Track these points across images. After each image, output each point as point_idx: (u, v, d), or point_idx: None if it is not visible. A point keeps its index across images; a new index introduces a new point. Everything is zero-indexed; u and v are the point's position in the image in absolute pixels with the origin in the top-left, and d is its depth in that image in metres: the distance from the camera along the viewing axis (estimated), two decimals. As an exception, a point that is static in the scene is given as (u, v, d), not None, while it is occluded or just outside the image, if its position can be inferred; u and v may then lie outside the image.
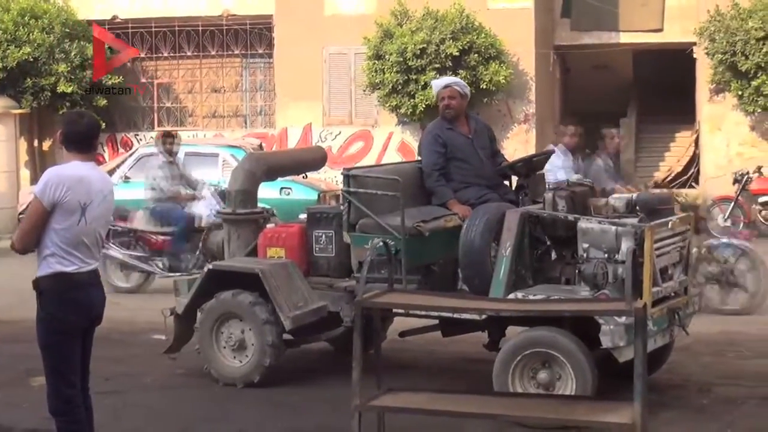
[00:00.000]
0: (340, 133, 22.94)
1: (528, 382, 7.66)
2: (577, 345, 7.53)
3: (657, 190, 8.47)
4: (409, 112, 21.22)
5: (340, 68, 22.89)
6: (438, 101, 9.33)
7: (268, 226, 9.48)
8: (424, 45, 20.68)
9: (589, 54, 24.33)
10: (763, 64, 20.33)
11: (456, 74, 20.60)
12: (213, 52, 24.40)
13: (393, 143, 22.64)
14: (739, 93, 20.83)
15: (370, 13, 22.15)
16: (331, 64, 22.88)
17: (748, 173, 18.95)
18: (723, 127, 21.91)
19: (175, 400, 8.65)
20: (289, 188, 17.60)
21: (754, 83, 20.47)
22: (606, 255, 7.76)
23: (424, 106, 20.81)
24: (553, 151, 9.47)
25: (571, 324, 7.63)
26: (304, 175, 16.16)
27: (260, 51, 24.17)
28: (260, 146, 18.91)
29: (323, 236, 8.95)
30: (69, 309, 5.88)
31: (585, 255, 7.82)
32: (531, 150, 21.86)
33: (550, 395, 7.29)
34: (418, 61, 20.73)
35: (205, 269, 9.03)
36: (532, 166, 9.23)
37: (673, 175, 23.42)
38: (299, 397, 8.60)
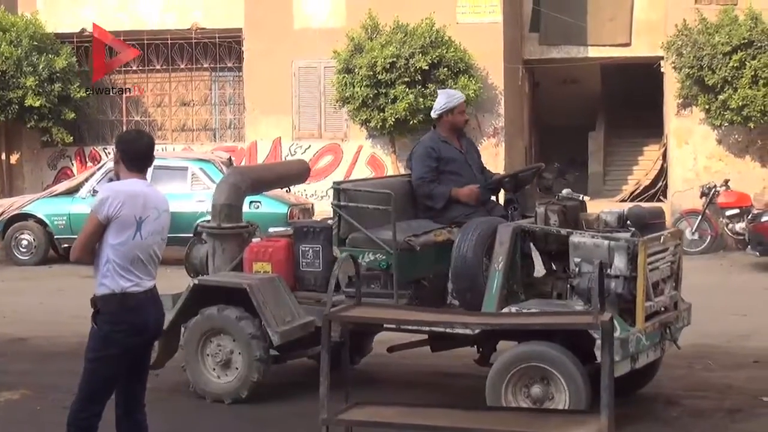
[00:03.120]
0: (309, 146, 22.95)
1: (521, 396, 7.61)
2: (570, 359, 7.50)
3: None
4: (378, 126, 21.25)
5: (310, 82, 22.91)
6: (449, 112, 9.12)
7: (254, 240, 9.41)
8: (394, 59, 20.72)
9: (557, 68, 24.46)
10: (729, 78, 20.48)
11: (425, 88, 20.70)
12: (182, 66, 24.37)
13: (362, 157, 22.66)
14: (706, 107, 20.99)
15: (339, 27, 22.19)
16: (301, 77, 22.90)
17: (715, 187, 19.09)
18: (690, 140, 22.05)
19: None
20: (258, 202, 17.57)
21: (720, 97, 20.62)
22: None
23: (393, 120, 20.85)
24: (541, 166, 9.41)
25: (564, 339, 7.60)
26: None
27: (229, 64, 24.15)
28: (229, 160, 18.90)
29: (310, 251, 8.92)
30: (123, 330, 5.92)
31: (577, 269, 7.82)
32: (500, 164, 21.95)
33: (521, 409, 7.30)
34: (388, 74, 20.77)
35: (191, 284, 8.91)
36: (520, 181, 9.18)
37: (641, 188, 23.54)
38: (276, 412, 8.58)
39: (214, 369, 8.75)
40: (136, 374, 6.14)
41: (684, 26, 21.23)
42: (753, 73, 20.30)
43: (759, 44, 20.44)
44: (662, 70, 22.57)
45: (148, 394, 6.31)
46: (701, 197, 19.06)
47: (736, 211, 18.69)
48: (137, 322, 5.96)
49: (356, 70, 21.09)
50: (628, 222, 8.22)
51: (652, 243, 7.82)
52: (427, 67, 20.73)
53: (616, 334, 7.33)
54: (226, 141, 24.16)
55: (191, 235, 17.51)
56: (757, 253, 16.94)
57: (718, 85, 20.62)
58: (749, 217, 17.90)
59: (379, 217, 8.48)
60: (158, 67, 24.31)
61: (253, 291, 8.50)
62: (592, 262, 7.63)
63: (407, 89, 20.76)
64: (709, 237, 18.97)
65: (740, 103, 20.34)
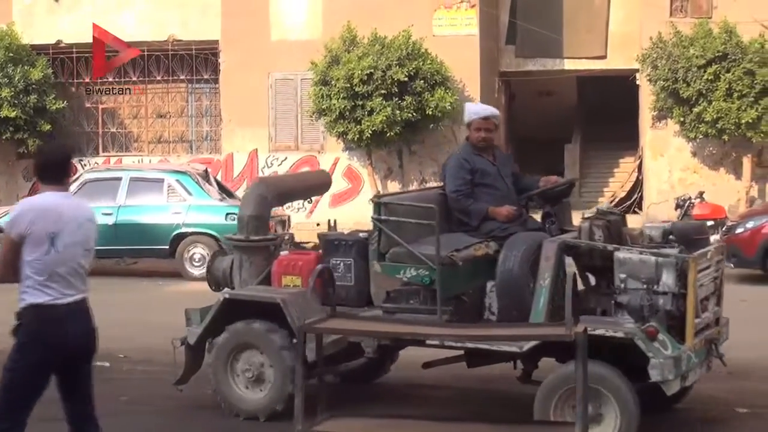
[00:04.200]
0: (286, 158, 22.96)
1: (569, 417, 7.37)
2: (621, 379, 7.37)
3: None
4: (356, 139, 21.28)
5: (286, 94, 22.93)
6: (468, 126, 8.89)
7: (282, 253, 9.14)
8: (371, 70, 20.76)
9: (533, 80, 24.56)
10: (704, 91, 20.62)
11: (402, 100, 20.74)
12: (158, 77, 24.34)
13: (339, 169, 22.67)
14: (681, 119, 21.12)
15: (316, 39, 22.21)
16: (277, 89, 22.91)
17: (690, 198, 19.16)
18: (665, 153, 22.17)
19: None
20: (236, 214, 17.55)
21: (695, 110, 20.76)
22: (645, 286, 7.57)
23: (371, 132, 20.88)
24: (575, 180, 9.08)
25: (613, 357, 7.46)
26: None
27: (206, 76, 24.14)
28: (206, 171, 18.86)
29: (341, 264, 8.64)
30: (40, 342, 5.83)
31: (622, 285, 7.65)
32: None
33: (497, 420, 7.30)
34: (365, 86, 20.80)
35: (221, 298, 8.61)
36: (555, 195, 8.80)
37: (616, 200, 23.64)
38: (252, 424, 8.54)
39: (247, 386, 8.48)
40: (73, 391, 6.04)
41: (659, 39, 21.36)
42: (727, 86, 20.46)
43: (733, 57, 20.59)
44: (637, 82, 22.70)
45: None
46: (676, 209, 19.12)
47: (711, 223, 18.73)
48: (55, 335, 5.85)
49: (333, 82, 21.11)
50: (671, 237, 8.07)
51: (701, 259, 7.66)
52: (404, 79, 20.78)
53: (668, 352, 7.25)
54: (203, 153, 24.14)
55: (167, 246, 17.57)
56: (732, 265, 16.98)
57: (693, 98, 20.77)
58: (724, 229, 17.95)
59: (416, 232, 8.27)
60: (135, 78, 24.27)
61: (287, 306, 8.23)
62: (638, 278, 7.55)
63: (384, 101, 20.79)
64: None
65: (715, 116, 20.50)
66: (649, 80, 21.58)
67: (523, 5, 23.75)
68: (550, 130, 25.77)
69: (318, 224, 22.05)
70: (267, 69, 22.75)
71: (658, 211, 20.85)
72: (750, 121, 20.44)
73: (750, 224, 16.99)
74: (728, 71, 20.53)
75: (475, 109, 9.10)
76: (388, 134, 21.01)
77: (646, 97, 22.00)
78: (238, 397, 8.51)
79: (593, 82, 25.95)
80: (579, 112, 27.25)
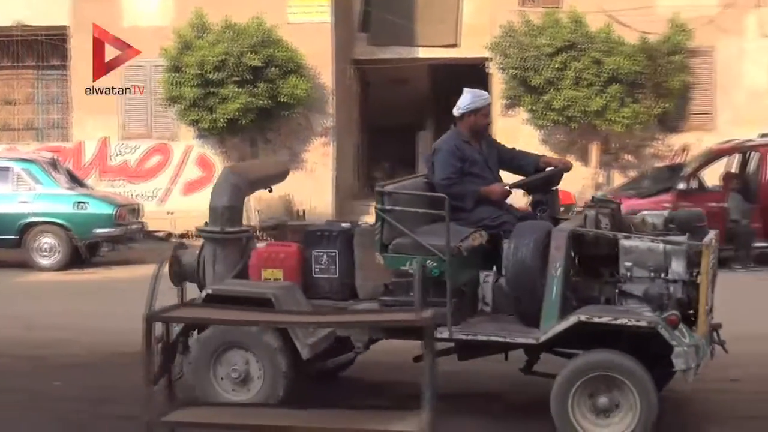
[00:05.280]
0: (137, 146, 22.66)
1: (585, 407, 7.42)
2: (640, 368, 7.35)
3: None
4: (209, 127, 21.10)
5: (138, 81, 22.57)
6: (473, 113, 8.67)
7: (260, 245, 8.75)
8: (224, 57, 20.61)
9: (387, 68, 24.65)
10: (553, 80, 21.01)
11: (255, 87, 20.64)
12: (5, 64, 23.74)
13: (192, 157, 22.48)
14: (531, 107, 21.47)
15: (167, 25, 21.94)
16: (129, 76, 22.54)
17: (539, 185, 19.49)
18: (515, 140, 22.45)
19: None
20: (85, 202, 17.31)
21: (544, 98, 21.14)
22: (652, 274, 7.61)
23: (225, 120, 20.73)
24: (566, 168, 8.80)
25: (630, 347, 7.44)
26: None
27: (55, 63, 23.63)
28: (53, 160, 18.53)
29: (324, 256, 8.38)
30: None
31: (628, 274, 7.66)
32: (329, 162, 22.08)
33: (343, 407, 7.33)
34: (218, 74, 20.64)
35: (203, 293, 8.21)
36: (546, 182, 8.72)
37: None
38: (96, 413, 8.44)
39: (229, 387, 8.03)
40: None
41: (509, 28, 21.67)
42: (575, 74, 20.87)
43: (581, 46, 21.02)
44: (489, 71, 22.97)
45: None
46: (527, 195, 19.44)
47: (560, 208, 19.11)
48: None
49: (185, 69, 20.89)
50: (671, 225, 8.05)
51: (712, 246, 7.63)
52: (259, 65, 20.68)
53: (687, 340, 7.27)
54: (52, 141, 23.61)
55: (14, 236, 17.20)
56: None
57: (542, 86, 21.14)
58: (572, 214, 18.33)
59: (415, 222, 8.10)
60: (-20, 64, 23.67)
61: (279, 301, 7.88)
62: (645, 266, 7.56)
63: (238, 89, 20.67)
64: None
65: (563, 104, 20.91)
66: (500, 69, 21.89)
67: (376, -7, 23.84)
68: (403, 117, 25.93)
69: (170, 213, 21.88)
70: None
71: (510, 198, 21.10)
72: (597, 109, 20.91)
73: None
74: (576, 60, 20.95)
75: (480, 94, 8.90)
76: (241, 122, 20.90)
77: (497, 85, 22.31)
78: (221, 398, 7.99)
79: (446, 71, 26.15)
80: (432, 100, 27.46)
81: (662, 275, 7.58)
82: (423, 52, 23.93)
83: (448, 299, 7.70)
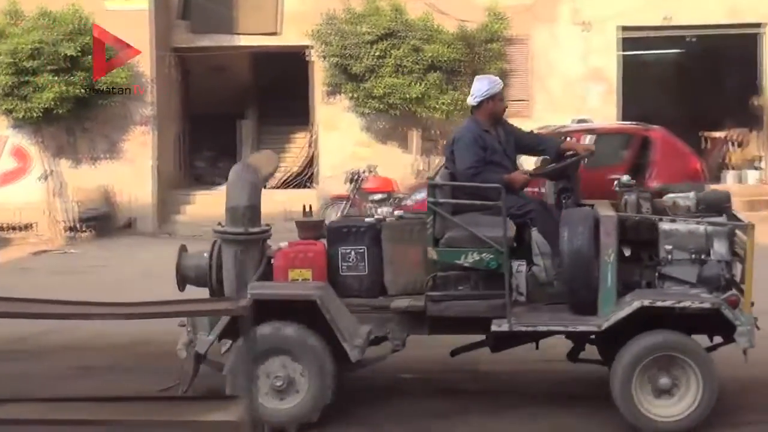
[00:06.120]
0: (-53, 137, 21.98)
1: (647, 389, 7.61)
2: (703, 349, 7.63)
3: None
4: (24, 116, 20.55)
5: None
6: (490, 99, 8.68)
7: (281, 244, 8.40)
8: (39, 45, 20.10)
9: (207, 56, 24.43)
10: (374, 67, 21.17)
11: (72, 75, 20.19)
12: None
13: (7, 148, 21.86)
14: (352, 95, 21.59)
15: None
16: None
17: (361, 172, 19.62)
18: (338, 128, 22.62)
19: None
20: None
21: (365, 85, 21.28)
22: (693, 256, 7.76)
23: (41, 109, 20.24)
24: (588, 155, 8.78)
25: (688, 328, 7.67)
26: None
27: None
28: None
29: (352, 253, 8.20)
30: None
31: (669, 257, 7.79)
32: (149, 152, 21.81)
33: (160, 397, 7.26)
34: (33, 62, 20.13)
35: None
36: (569, 169, 8.70)
37: (293, 175, 23.94)
38: None
39: (272, 394, 7.85)
40: None
41: (330, 15, 21.73)
42: (395, 62, 21.07)
43: (401, 34, 21.23)
44: (310, 59, 22.98)
45: None
46: (348, 183, 19.56)
47: (382, 195, 19.27)
48: None
49: (-2, 57, 20.33)
50: (701, 207, 8.12)
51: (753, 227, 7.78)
52: (75, 55, 20.24)
53: (744, 320, 7.53)
54: None
55: None
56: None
57: (363, 74, 21.27)
58: (393, 201, 18.51)
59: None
60: None
61: (324, 303, 7.68)
62: (686, 248, 7.73)
63: (54, 77, 20.20)
64: (357, 221, 19.44)
65: (384, 91, 21.09)
66: (321, 57, 21.95)
67: (196, -19, 23.59)
68: (224, 106, 25.75)
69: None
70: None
71: (331, 185, 21.20)
72: (417, 96, 21.16)
73: (418, 196, 17.57)
74: (396, 48, 21.15)
75: (494, 79, 8.86)
76: (58, 111, 20.44)
77: (318, 73, 22.37)
78: (264, 409, 7.68)
79: (268, 59, 26.08)
80: (254, 88, 27.35)
81: (703, 256, 7.77)
82: (244, 40, 23.78)
83: (507, 291, 7.75)
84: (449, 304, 7.87)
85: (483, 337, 8.30)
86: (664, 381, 7.59)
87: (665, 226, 7.87)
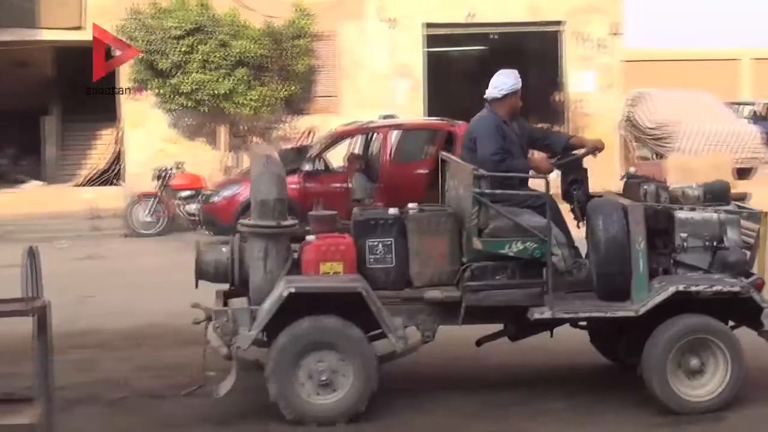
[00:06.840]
0: None
1: (679, 371, 7.91)
2: (731, 331, 8.02)
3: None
4: None
5: None
6: (514, 94, 8.83)
7: (309, 237, 8.19)
8: None
9: (9, 51, 23.82)
10: (180, 63, 20.99)
11: None
12: None
13: None
14: (159, 91, 21.36)
15: None
16: None
17: (168, 169, 19.45)
18: (144, 124, 22.36)
19: None
20: None
21: (172, 81, 21.08)
22: (707, 243, 8.08)
23: None
24: (600, 148, 8.98)
25: (711, 310, 7.94)
26: None
27: None
28: None
29: (380, 245, 8.16)
30: None
31: (684, 244, 8.09)
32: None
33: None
34: None
35: (285, 293, 7.70)
36: (577, 163, 8.98)
37: (99, 172, 23.57)
38: None
39: (314, 389, 7.81)
40: None
41: (136, 10, 21.45)
42: (203, 57, 20.95)
43: (208, 30, 21.11)
44: (115, 54, 22.59)
45: None
46: (155, 180, 19.37)
47: (190, 192, 19.17)
48: None
49: None
50: (708, 196, 8.43)
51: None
52: None
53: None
54: None
55: None
56: (210, 233, 17.49)
57: (170, 70, 21.07)
58: (201, 198, 18.43)
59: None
60: None
61: (370, 295, 7.74)
62: (700, 236, 8.08)
63: None
64: (163, 219, 19.29)
65: (191, 87, 20.95)
66: (127, 52, 21.64)
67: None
68: (26, 102, 25.14)
69: None
70: None
71: (138, 181, 20.93)
72: (225, 92, 21.08)
73: (226, 193, 17.57)
74: (203, 43, 21.01)
75: (517, 75, 8.89)
76: None
77: (124, 68, 22.02)
78: (305, 402, 7.81)
79: (71, 53, 25.58)
80: (57, 84, 26.79)
81: (716, 243, 8.13)
82: (47, 35, 23.26)
83: (549, 280, 7.91)
84: (488, 294, 8.00)
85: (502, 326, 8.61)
86: (693, 362, 7.96)
87: (681, 214, 8.24)
